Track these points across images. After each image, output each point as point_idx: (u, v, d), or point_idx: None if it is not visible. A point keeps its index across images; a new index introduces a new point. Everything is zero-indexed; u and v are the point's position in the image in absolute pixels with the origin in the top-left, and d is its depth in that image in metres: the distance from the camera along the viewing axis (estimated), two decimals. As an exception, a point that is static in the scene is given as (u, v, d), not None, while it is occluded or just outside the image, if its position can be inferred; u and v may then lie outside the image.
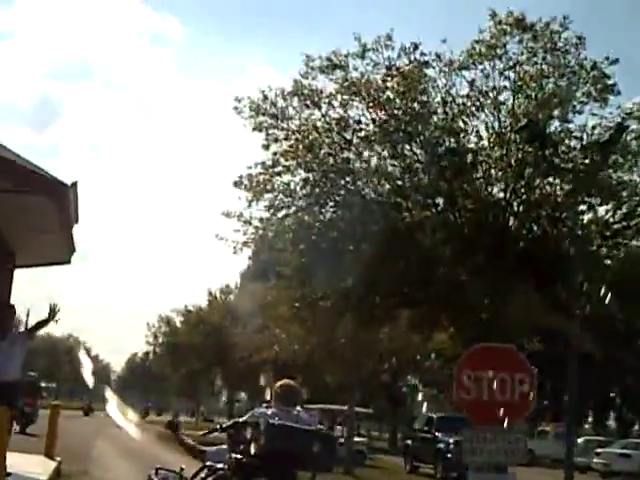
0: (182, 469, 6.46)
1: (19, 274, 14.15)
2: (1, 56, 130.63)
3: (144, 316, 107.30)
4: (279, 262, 22.46)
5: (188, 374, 58.65)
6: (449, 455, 23.22)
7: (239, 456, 5.54)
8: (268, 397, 6.09)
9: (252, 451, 5.38)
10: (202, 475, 5.95)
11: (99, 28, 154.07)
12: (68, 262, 13.73)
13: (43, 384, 35.06)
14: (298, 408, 5.83)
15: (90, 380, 20.49)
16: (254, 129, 19.82)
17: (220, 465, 5.76)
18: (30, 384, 25.62)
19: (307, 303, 21.12)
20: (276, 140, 19.91)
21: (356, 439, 27.99)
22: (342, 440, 25.66)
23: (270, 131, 19.90)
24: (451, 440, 23.05)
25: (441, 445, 24.46)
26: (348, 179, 19.83)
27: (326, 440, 6.06)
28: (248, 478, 5.36)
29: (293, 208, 20.20)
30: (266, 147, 19.94)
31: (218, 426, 6.19)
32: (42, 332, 37.14)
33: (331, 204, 20.28)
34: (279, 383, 6.01)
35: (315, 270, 19.78)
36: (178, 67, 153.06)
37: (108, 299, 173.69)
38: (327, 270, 19.35)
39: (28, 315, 59.36)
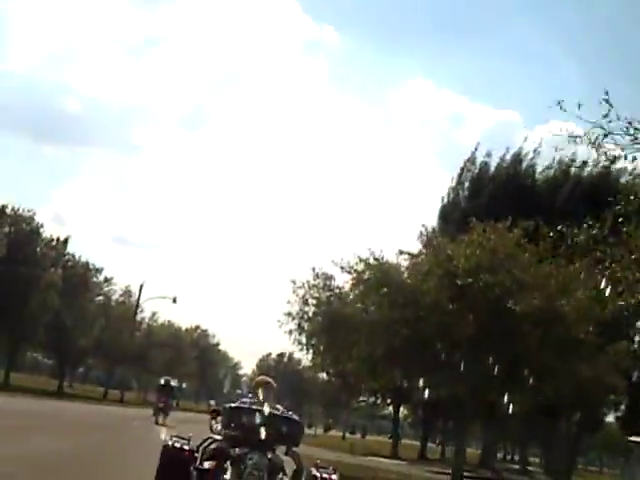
0: (190, 437, 8.30)
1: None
2: (154, 61, 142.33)
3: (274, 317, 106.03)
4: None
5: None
6: None
7: (227, 431, 7.65)
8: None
9: (236, 426, 7.47)
10: (205, 444, 8.04)
11: (258, 37, 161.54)
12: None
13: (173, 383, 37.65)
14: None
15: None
16: None
17: (219, 437, 7.91)
18: (165, 385, 32.54)
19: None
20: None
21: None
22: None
23: None
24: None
25: None
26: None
27: (294, 422, 7.99)
28: (234, 446, 7.35)
29: None
30: None
31: (216, 408, 8.47)
32: (166, 321, 69.02)
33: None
34: (258, 378, 8.58)
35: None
36: (330, 78, 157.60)
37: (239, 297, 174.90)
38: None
39: (141, 289, 60.07)
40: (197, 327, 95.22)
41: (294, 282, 25.75)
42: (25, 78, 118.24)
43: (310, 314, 25.76)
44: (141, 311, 74.05)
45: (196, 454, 8.01)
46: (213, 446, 7.90)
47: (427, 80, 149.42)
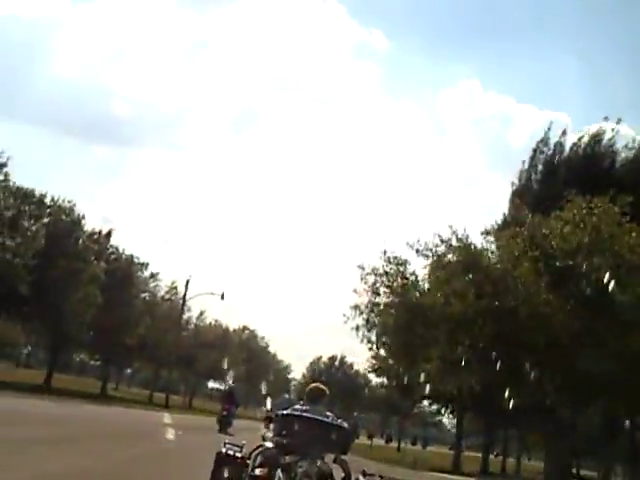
0: (243, 444, 8.35)
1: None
2: (202, 64, 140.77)
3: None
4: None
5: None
6: None
7: (279, 438, 7.75)
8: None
9: (287, 433, 7.67)
10: (257, 451, 7.94)
11: (305, 41, 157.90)
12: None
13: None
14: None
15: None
16: None
17: (270, 444, 7.84)
18: (230, 393, 31.96)
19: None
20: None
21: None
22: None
23: None
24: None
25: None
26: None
27: (342, 430, 7.73)
28: (286, 454, 7.47)
29: None
30: None
31: (271, 414, 8.41)
32: (213, 320, 61.97)
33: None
34: (311, 385, 8.53)
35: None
36: (381, 81, 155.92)
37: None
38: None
39: (187, 285, 57.06)
40: (245, 328, 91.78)
41: (362, 268, 22.47)
42: (76, 81, 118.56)
43: (381, 306, 22.28)
44: (188, 310, 71.45)
45: (248, 461, 8.05)
46: (265, 454, 7.93)
47: (474, 81, 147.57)
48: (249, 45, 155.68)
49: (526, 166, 41.23)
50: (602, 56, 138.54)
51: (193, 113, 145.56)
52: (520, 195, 39.99)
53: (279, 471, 7.36)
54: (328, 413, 7.98)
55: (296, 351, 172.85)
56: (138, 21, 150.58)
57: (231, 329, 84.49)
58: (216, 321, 80.00)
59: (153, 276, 61.56)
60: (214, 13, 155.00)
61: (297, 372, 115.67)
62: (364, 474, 8.00)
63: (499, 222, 29.13)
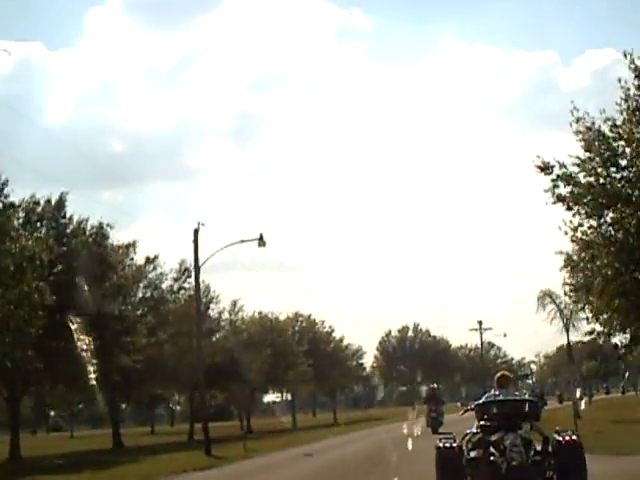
0: (454, 435, 10.49)
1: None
2: (192, 78, 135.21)
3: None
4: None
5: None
6: None
7: (483, 422, 9.86)
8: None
9: (489, 416, 9.84)
10: (467, 437, 10.28)
11: (286, 35, 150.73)
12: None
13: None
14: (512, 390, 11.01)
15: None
16: None
17: (473, 430, 10.17)
18: (433, 394, 33.02)
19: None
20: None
21: None
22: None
23: None
24: None
25: None
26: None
27: (531, 403, 10.15)
28: (491, 433, 9.61)
29: None
30: None
31: (469, 406, 10.76)
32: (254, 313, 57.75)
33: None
34: (498, 374, 11.04)
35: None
36: (370, 58, 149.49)
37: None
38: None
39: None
40: (297, 314, 71.22)
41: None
42: (68, 128, 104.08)
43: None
44: (217, 301, 51.60)
45: (462, 448, 10.14)
46: (474, 438, 10.14)
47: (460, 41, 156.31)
48: (233, 50, 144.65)
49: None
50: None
51: (193, 133, 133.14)
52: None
53: (491, 448, 9.52)
54: (516, 393, 11.34)
55: (357, 326, 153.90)
56: (119, 56, 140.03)
57: (281, 318, 64.66)
58: (259, 313, 60.46)
59: (150, 261, 42.12)
60: (191, 30, 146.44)
61: (369, 354, 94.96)
62: (558, 433, 9.91)
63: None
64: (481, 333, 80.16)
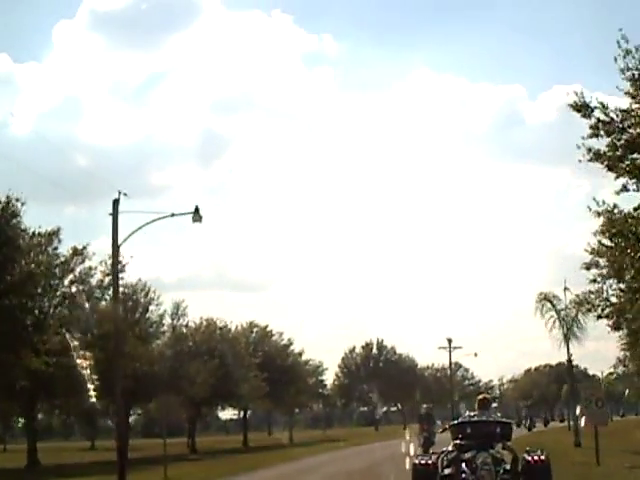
0: (431, 453, 12.46)
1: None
2: (159, 97, 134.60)
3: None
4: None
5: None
6: None
7: (458, 441, 10.98)
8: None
9: (463, 436, 10.98)
10: (442, 455, 11.27)
11: (255, 58, 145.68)
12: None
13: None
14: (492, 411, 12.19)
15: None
16: None
17: (450, 448, 11.14)
18: (426, 413, 33.00)
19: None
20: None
21: None
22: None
23: None
24: None
25: None
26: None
27: (503, 424, 11.06)
28: (464, 452, 10.66)
29: None
30: None
31: (446, 426, 12.04)
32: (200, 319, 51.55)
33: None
34: (479, 396, 12.13)
35: None
36: (339, 84, 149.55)
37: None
38: None
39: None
40: (252, 324, 65.39)
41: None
42: (33, 139, 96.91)
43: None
44: (157, 304, 45.75)
45: (437, 465, 11.11)
46: (449, 455, 11.08)
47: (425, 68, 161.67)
48: (202, 70, 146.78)
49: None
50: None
51: (159, 151, 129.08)
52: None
53: (463, 465, 10.54)
54: (493, 415, 11.81)
55: (316, 343, 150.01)
56: (86, 71, 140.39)
57: (233, 328, 58.98)
58: (206, 320, 54.69)
59: (78, 252, 36.44)
60: (160, 48, 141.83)
61: (330, 370, 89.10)
62: (527, 453, 10.85)
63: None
64: (450, 352, 76.47)
